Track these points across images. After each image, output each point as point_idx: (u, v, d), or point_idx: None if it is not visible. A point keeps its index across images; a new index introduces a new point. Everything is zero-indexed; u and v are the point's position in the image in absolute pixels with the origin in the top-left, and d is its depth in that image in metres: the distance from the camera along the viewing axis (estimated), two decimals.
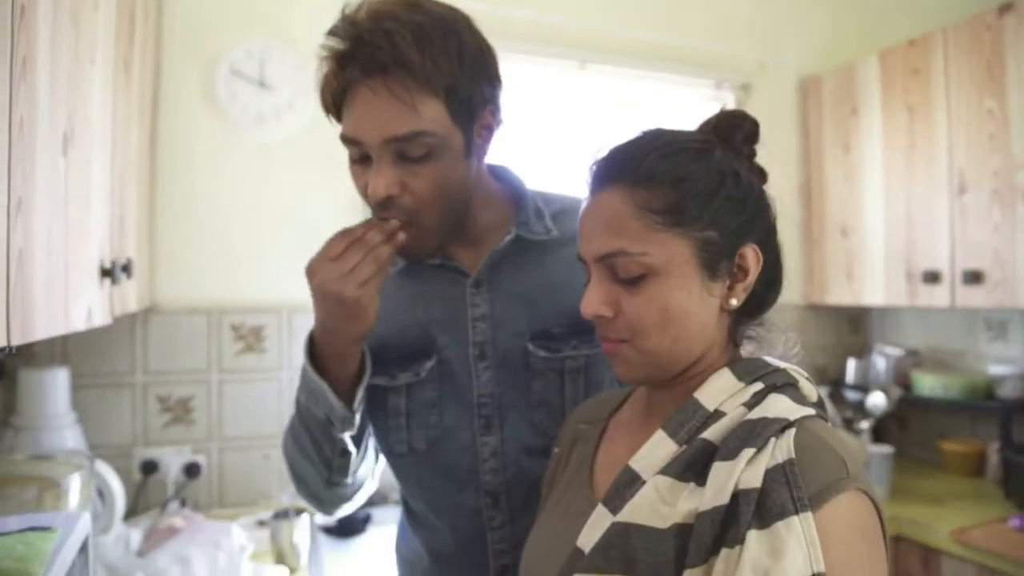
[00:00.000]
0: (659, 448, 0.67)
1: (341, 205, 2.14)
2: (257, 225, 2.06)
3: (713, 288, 0.69)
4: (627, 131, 0.74)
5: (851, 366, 2.60)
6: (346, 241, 0.87)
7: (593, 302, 0.70)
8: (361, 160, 0.88)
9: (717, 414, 0.67)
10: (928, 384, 2.37)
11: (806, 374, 0.73)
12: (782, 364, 0.71)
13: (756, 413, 0.65)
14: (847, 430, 2.29)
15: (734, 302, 0.70)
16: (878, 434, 2.40)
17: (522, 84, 2.37)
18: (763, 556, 0.56)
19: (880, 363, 2.50)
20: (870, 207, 2.43)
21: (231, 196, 2.04)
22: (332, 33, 0.86)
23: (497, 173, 1.03)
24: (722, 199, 0.68)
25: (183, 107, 1.99)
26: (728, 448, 0.62)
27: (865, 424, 2.32)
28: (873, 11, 2.74)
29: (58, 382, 1.72)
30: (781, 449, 0.61)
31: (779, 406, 0.65)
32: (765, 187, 0.74)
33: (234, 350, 2.03)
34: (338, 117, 0.90)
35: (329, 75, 0.86)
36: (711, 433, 0.65)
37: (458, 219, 0.94)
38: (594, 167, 0.72)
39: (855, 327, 2.84)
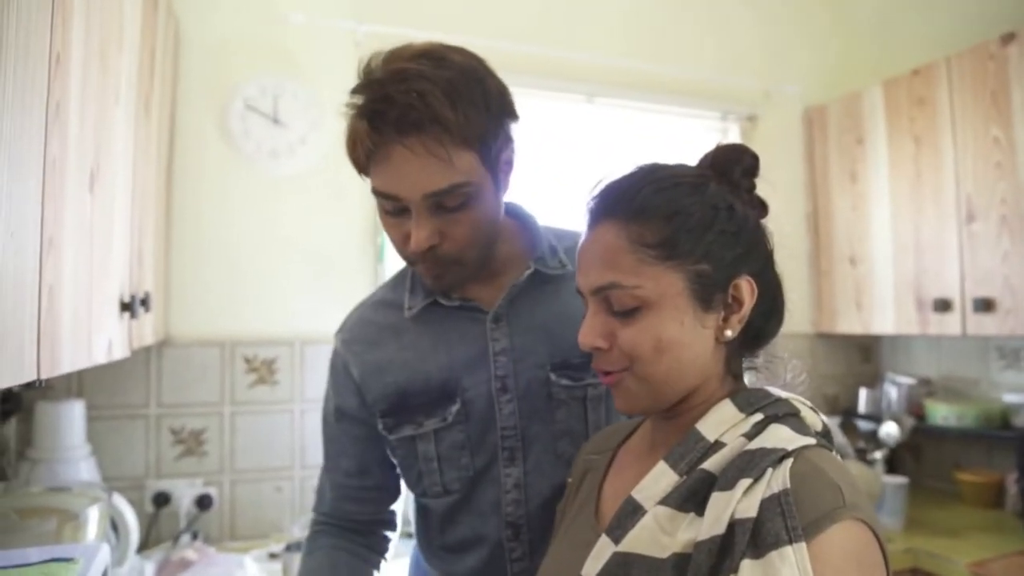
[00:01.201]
0: (661, 479, 0.68)
1: (353, 240, 2.17)
2: (270, 258, 2.09)
3: (706, 320, 0.70)
4: (624, 165, 0.76)
5: (863, 396, 2.59)
6: None
7: (589, 334, 0.72)
8: (396, 212, 0.90)
9: (717, 445, 0.67)
10: (942, 413, 2.35)
11: (810, 404, 0.74)
12: (784, 394, 0.72)
13: (755, 443, 0.65)
14: (860, 460, 2.27)
15: (729, 333, 0.71)
16: (892, 464, 2.38)
17: (531, 118, 2.40)
18: None
19: (892, 392, 2.49)
20: (878, 236, 2.44)
21: (244, 230, 2.07)
22: (359, 91, 0.87)
23: (510, 210, 1.05)
24: (716, 233, 0.69)
25: (198, 142, 2.03)
26: (726, 478, 0.63)
27: (878, 454, 2.31)
28: (876, 41, 2.78)
29: (74, 414, 1.74)
30: (777, 479, 0.61)
31: (778, 436, 0.66)
32: (766, 219, 0.75)
33: (246, 382, 2.04)
34: (366, 171, 0.91)
35: (361, 133, 0.86)
36: (711, 464, 0.66)
37: (489, 250, 0.97)
38: (590, 202, 0.74)
39: (866, 356, 2.83)
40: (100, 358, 1.18)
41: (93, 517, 1.18)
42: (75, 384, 1.88)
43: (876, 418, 2.44)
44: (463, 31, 2.23)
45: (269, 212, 2.09)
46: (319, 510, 1.13)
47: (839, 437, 2.22)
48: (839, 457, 0.70)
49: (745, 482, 0.61)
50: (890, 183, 2.38)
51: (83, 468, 1.73)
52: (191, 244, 2.02)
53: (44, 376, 0.86)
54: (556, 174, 2.37)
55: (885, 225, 2.41)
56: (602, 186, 0.74)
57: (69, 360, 0.99)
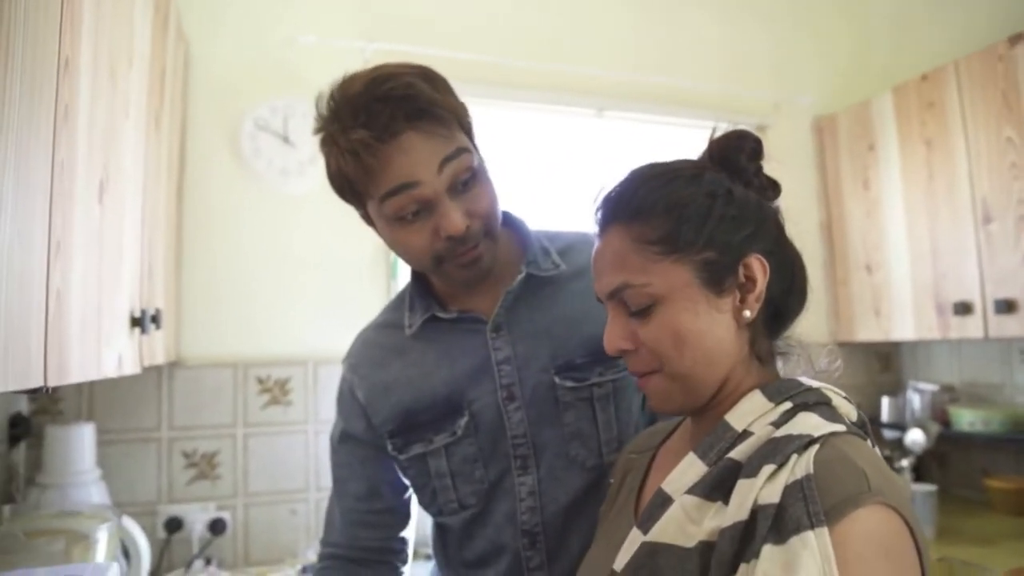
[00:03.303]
0: (689, 470, 0.68)
1: (365, 258, 2.16)
2: (281, 278, 2.08)
3: (721, 304, 0.70)
4: (621, 170, 0.77)
5: (885, 404, 2.54)
6: None
7: (612, 337, 0.73)
8: (417, 214, 0.89)
9: (745, 434, 0.66)
10: (967, 419, 2.30)
11: (844, 393, 0.72)
12: (816, 383, 0.71)
13: (782, 431, 0.64)
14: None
15: (747, 313, 0.70)
16: (918, 473, 2.32)
17: (539, 133, 2.40)
18: (776, 570, 0.55)
19: (915, 400, 2.44)
20: (893, 242, 2.41)
21: (256, 249, 2.06)
22: (339, 113, 0.88)
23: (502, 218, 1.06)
24: (716, 219, 0.69)
25: (209, 163, 2.04)
26: (751, 465, 0.62)
27: (905, 462, 2.25)
28: (884, 48, 2.78)
29: (84, 438, 1.71)
30: (801, 465, 0.60)
31: (806, 423, 0.64)
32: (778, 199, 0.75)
33: (259, 403, 2.02)
34: (359, 197, 0.92)
35: (366, 141, 0.85)
36: (737, 452, 0.65)
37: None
38: (595, 211, 0.76)
39: (886, 364, 2.78)
40: (110, 371, 1.16)
41: (103, 538, 1.15)
42: (85, 407, 1.86)
43: (900, 426, 2.38)
44: (471, 49, 2.25)
45: (280, 232, 2.09)
46: (328, 540, 1.10)
47: None
48: (875, 448, 0.68)
49: (769, 468, 0.60)
50: (903, 188, 2.36)
51: (93, 493, 1.70)
52: (202, 264, 2.01)
53: (52, 383, 0.84)
54: (566, 188, 2.36)
55: (900, 230, 2.38)
56: (603, 194, 0.76)
57: (78, 370, 0.97)
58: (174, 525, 1.88)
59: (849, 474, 0.59)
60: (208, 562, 1.86)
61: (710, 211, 0.70)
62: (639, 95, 2.49)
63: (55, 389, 1.82)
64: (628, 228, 0.71)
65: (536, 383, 0.97)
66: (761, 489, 0.59)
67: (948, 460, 2.52)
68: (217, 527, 1.91)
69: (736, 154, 0.73)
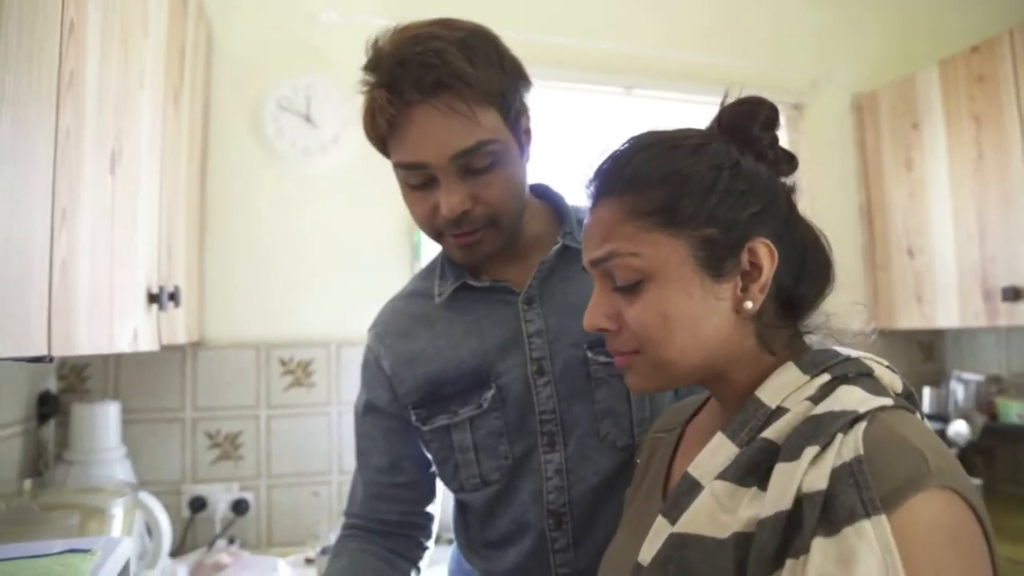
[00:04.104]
0: (719, 452, 0.62)
1: (389, 238, 2.13)
2: (304, 258, 2.06)
3: (720, 290, 0.63)
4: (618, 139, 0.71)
5: (927, 395, 2.44)
6: None
7: (593, 313, 0.68)
8: (422, 185, 0.88)
9: (780, 411, 0.60)
10: (1016, 411, 2.19)
11: (887, 363, 0.65)
12: (856, 353, 0.64)
13: (822, 407, 0.57)
14: None
15: (749, 305, 0.63)
16: (963, 466, 2.22)
17: (568, 111, 2.34)
18: (831, 566, 0.49)
19: (959, 391, 2.34)
20: (938, 224, 2.30)
21: (279, 230, 2.05)
22: (373, 65, 0.86)
23: (537, 190, 1.03)
24: (720, 193, 0.63)
25: (232, 143, 2.03)
26: (791, 447, 0.56)
27: None
28: (927, 21, 2.65)
29: (109, 416, 1.72)
30: (848, 446, 0.53)
31: (850, 398, 0.57)
32: (793, 177, 0.69)
33: (282, 385, 2.01)
34: (384, 149, 0.90)
35: (381, 102, 0.84)
36: (773, 432, 0.58)
37: (519, 221, 0.94)
38: (588, 184, 0.70)
39: (928, 353, 2.67)
40: (123, 346, 1.15)
41: (118, 513, 1.14)
42: (111, 386, 1.87)
43: (943, 418, 2.28)
44: (497, 24, 2.15)
45: (303, 212, 2.07)
46: (350, 511, 1.09)
47: None
48: (925, 421, 0.61)
49: (812, 450, 0.54)
50: (950, 168, 2.24)
51: (118, 470, 1.71)
52: (224, 245, 2.00)
53: (56, 353, 0.83)
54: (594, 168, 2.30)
55: (946, 212, 2.26)
56: (596, 163, 0.70)
57: (87, 342, 0.96)
58: (198, 504, 1.88)
59: (905, 454, 0.52)
60: (231, 541, 1.87)
61: (714, 184, 0.63)
62: (669, 73, 2.41)
63: (83, 368, 1.85)
64: (621, 200, 0.65)
65: (568, 358, 0.94)
66: (805, 474, 0.53)
67: (994, 454, 2.40)
68: (240, 507, 1.91)
69: (748, 123, 0.66)
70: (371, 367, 1.04)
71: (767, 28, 2.59)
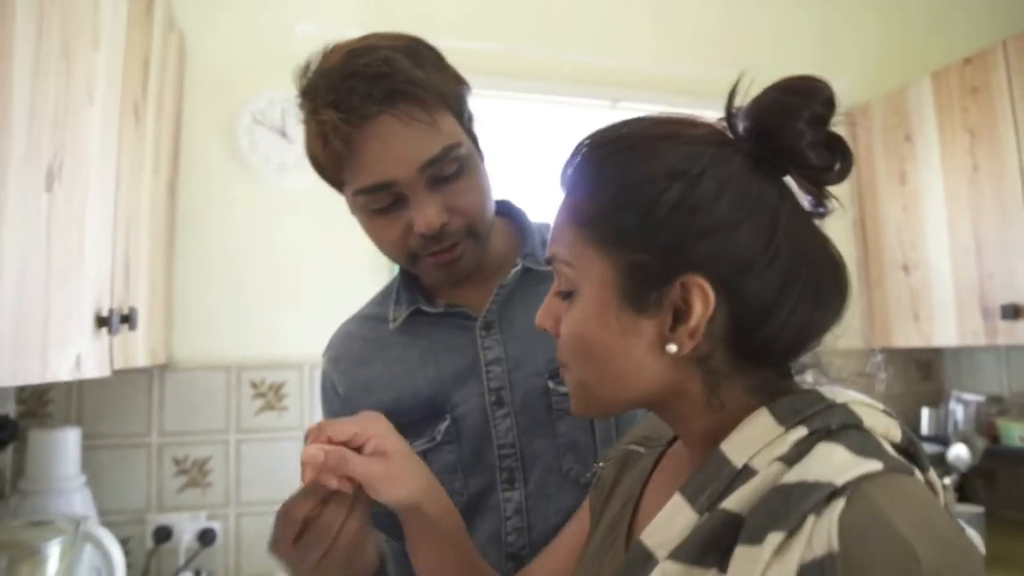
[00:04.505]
0: (676, 518, 0.52)
1: (365, 257, 2.06)
2: (278, 277, 1.99)
3: (640, 325, 0.53)
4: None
5: (925, 416, 2.37)
6: (296, 527, 0.72)
7: (542, 311, 0.63)
8: (388, 208, 0.82)
9: (747, 472, 0.50)
10: (1018, 433, 2.12)
11: (882, 406, 0.54)
12: (844, 397, 0.53)
13: (795, 474, 0.47)
14: None
15: (672, 348, 0.53)
16: (963, 492, 2.14)
17: (550, 125, 2.29)
18: None
19: (958, 411, 2.27)
20: (933, 239, 2.23)
21: (252, 247, 1.98)
22: (313, 87, 0.81)
23: (499, 207, 0.97)
24: (666, 210, 0.52)
25: (204, 157, 1.97)
26: (754, 527, 0.46)
27: (948, 480, 2.07)
28: (918, 33, 2.61)
29: (68, 443, 1.64)
30: (820, 535, 0.43)
31: (828, 463, 0.47)
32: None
33: (253, 408, 1.93)
34: (338, 178, 0.85)
35: (334, 122, 0.78)
36: (736, 501, 0.49)
37: (489, 232, 0.90)
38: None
39: (926, 372, 2.59)
40: (63, 374, 1.07)
41: (54, 553, 1.07)
42: (74, 411, 1.79)
43: (942, 440, 2.21)
44: (479, 38, 2.15)
45: (277, 229, 2.00)
46: None
47: None
48: (929, 482, 0.51)
49: (777, 536, 0.44)
50: (944, 180, 2.18)
51: (76, 500, 1.63)
52: (196, 263, 1.93)
53: None
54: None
55: (941, 226, 2.20)
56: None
57: (10, 372, 0.89)
58: (163, 535, 1.80)
59: (891, 552, 0.42)
60: (197, 574, 1.79)
61: (660, 198, 0.52)
62: (656, 84, 2.36)
63: (44, 391, 1.78)
64: (569, 201, 0.59)
65: (528, 388, 0.88)
66: (768, 568, 0.44)
67: (996, 478, 2.33)
68: (207, 538, 1.82)
69: (787, 118, 0.53)
70: (329, 394, 1.00)
71: (756, 40, 2.53)
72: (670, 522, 0.52)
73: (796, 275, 0.53)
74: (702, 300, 0.51)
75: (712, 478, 0.52)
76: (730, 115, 0.57)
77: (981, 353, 2.46)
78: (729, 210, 0.52)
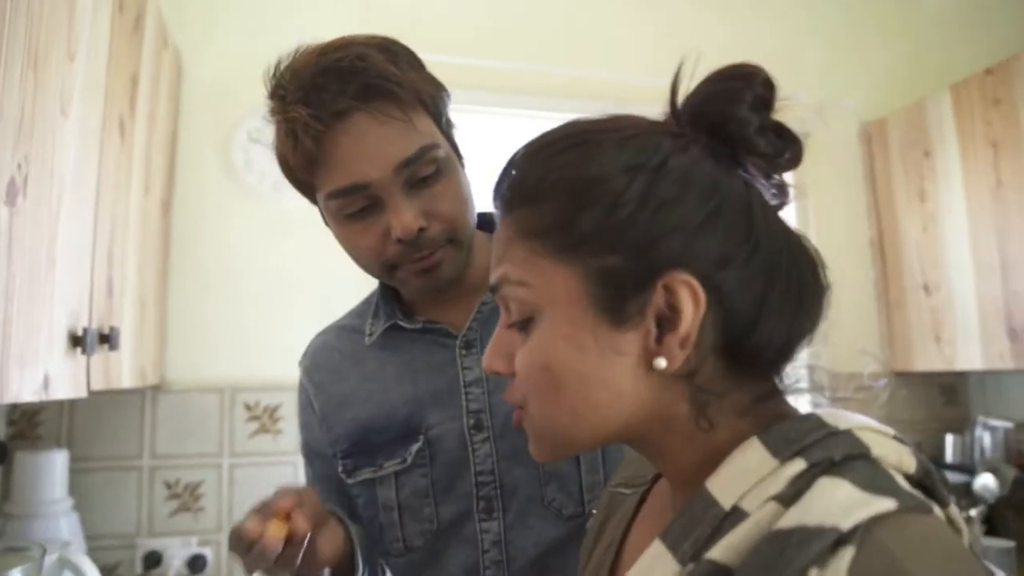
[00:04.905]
0: (656, 567, 0.46)
1: (361, 276, 2.01)
2: (273, 297, 1.96)
3: (621, 342, 0.47)
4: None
5: (949, 443, 2.25)
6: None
7: (489, 353, 0.54)
8: (362, 212, 0.78)
9: (736, 513, 0.43)
10: None
11: (892, 432, 0.47)
12: (847, 422, 0.45)
13: (792, 517, 0.40)
14: None
15: (663, 363, 0.46)
16: (991, 525, 2.02)
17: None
18: None
19: (985, 438, 2.15)
20: (955, 258, 2.14)
21: (247, 267, 1.95)
22: (283, 86, 0.78)
23: (481, 220, 0.93)
24: (631, 206, 0.46)
25: (199, 174, 1.95)
26: None
27: (974, 512, 1.96)
28: (936, 46, 2.53)
29: (55, 465, 1.61)
30: None
31: (832, 502, 0.40)
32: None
33: (247, 431, 1.89)
34: (308, 184, 0.83)
35: (304, 119, 0.75)
36: (724, 550, 0.42)
37: (471, 241, 0.86)
38: (493, 200, 0.55)
39: (950, 397, 2.47)
40: (27, 395, 1.03)
41: None
42: (64, 433, 1.76)
43: (968, 469, 2.09)
44: (476, 54, 2.11)
45: (273, 248, 1.97)
46: None
47: None
48: (951, 520, 0.44)
49: None
50: (966, 197, 2.09)
51: (63, 525, 1.59)
52: (190, 282, 1.90)
53: None
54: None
55: (963, 245, 2.11)
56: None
57: None
58: (152, 560, 1.75)
59: None
60: None
61: (623, 193, 0.46)
62: (655, 100, 2.29)
63: (35, 413, 1.75)
64: (514, 215, 0.51)
65: (509, 412, 0.81)
66: None
67: None
68: (197, 564, 1.77)
69: (730, 106, 0.49)
70: (305, 407, 0.98)
71: (770, 54, 2.46)
72: (649, 573, 0.46)
73: (778, 267, 0.48)
74: (692, 301, 0.45)
75: (696, 522, 0.45)
76: (674, 110, 0.52)
77: (1009, 377, 2.34)
78: (700, 201, 0.47)
